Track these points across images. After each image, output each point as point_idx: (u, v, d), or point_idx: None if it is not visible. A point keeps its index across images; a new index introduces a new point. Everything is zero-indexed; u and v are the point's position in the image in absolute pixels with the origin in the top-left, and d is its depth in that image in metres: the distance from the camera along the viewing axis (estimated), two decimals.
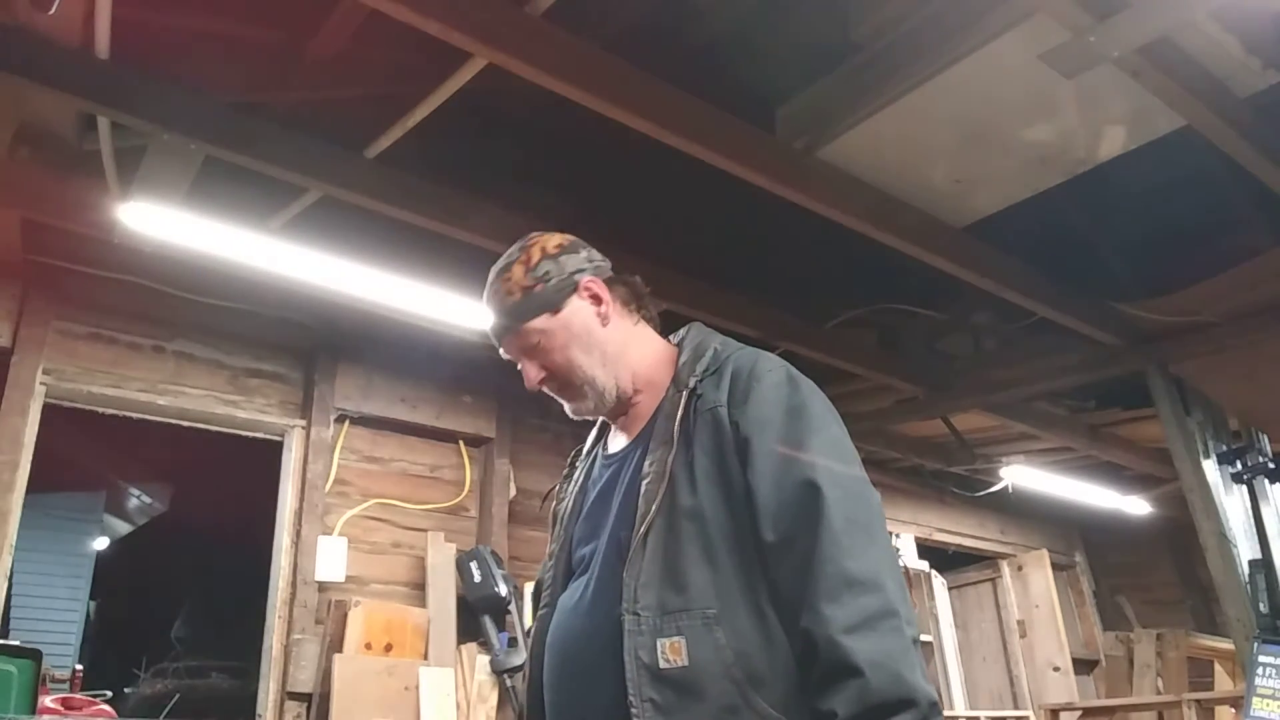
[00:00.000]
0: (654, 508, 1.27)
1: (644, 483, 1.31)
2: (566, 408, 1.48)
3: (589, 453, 1.58)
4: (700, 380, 1.35)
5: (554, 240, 1.50)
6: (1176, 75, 2.33)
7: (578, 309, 1.43)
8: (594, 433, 1.59)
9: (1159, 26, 2.13)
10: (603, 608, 1.31)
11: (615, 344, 1.44)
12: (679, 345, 1.46)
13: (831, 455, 1.25)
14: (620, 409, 1.46)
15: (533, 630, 1.49)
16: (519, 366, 1.48)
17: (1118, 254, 3.72)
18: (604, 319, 1.44)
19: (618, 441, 1.49)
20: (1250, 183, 2.84)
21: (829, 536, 1.17)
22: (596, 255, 1.51)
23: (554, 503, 1.62)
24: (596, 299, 1.45)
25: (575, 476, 1.58)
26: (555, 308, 1.43)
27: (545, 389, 1.47)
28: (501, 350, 1.50)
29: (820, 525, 1.18)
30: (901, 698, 1.09)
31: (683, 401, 1.34)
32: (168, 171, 2.66)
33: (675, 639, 1.21)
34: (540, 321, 1.42)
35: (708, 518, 1.26)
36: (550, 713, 1.37)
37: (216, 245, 2.95)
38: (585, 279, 1.45)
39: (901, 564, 5.79)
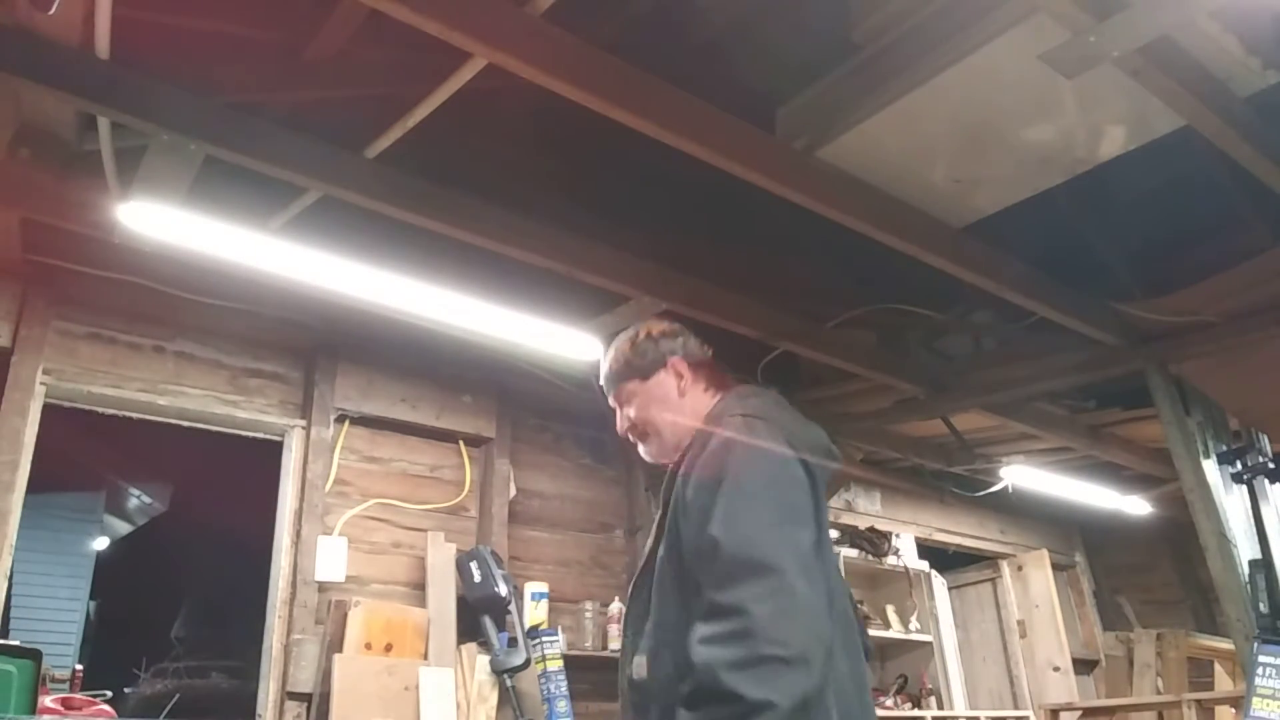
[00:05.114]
0: (644, 556, 1.74)
1: (650, 537, 1.75)
2: (641, 449, 1.92)
3: None
4: (684, 451, 1.75)
5: (660, 327, 1.97)
6: (1176, 75, 2.33)
7: (663, 380, 1.88)
8: None
9: (1159, 26, 2.13)
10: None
11: (686, 412, 1.85)
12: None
13: (739, 510, 1.52)
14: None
15: None
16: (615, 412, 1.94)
17: (1118, 254, 3.71)
18: (681, 391, 1.87)
19: None
20: (1250, 183, 2.84)
21: (715, 576, 1.47)
22: (693, 343, 1.95)
23: None
24: (679, 375, 1.88)
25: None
26: (646, 376, 1.89)
27: (630, 435, 1.92)
28: (608, 400, 1.96)
29: (713, 566, 1.48)
30: (712, 691, 1.38)
31: (669, 472, 1.76)
32: (168, 171, 2.66)
33: (641, 657, 1.62)
34: (633, 384, 1.90)
35: (668, 564, 1.64)
36: None
37: (216, 245, 2.95)
38: (674, 360, 1.90)
39: (902, 565, 5.80)
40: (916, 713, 5.44)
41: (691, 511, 1.59)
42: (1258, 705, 3.23)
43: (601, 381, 1.97)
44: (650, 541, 1.73)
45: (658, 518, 1.73)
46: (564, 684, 3.85)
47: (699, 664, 1.41)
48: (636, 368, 1.90)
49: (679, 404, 1.86)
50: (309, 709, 3.46)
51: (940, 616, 5.84)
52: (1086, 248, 3.68)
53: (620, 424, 1.93)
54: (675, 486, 1.69)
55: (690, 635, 1.46)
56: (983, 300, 3.81)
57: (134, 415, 3.57)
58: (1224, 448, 3.81)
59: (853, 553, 5.55)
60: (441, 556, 3.94)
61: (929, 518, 6.33)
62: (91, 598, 8.21)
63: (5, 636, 4.24)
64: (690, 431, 1.80)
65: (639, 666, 1.61)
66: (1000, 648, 6.30)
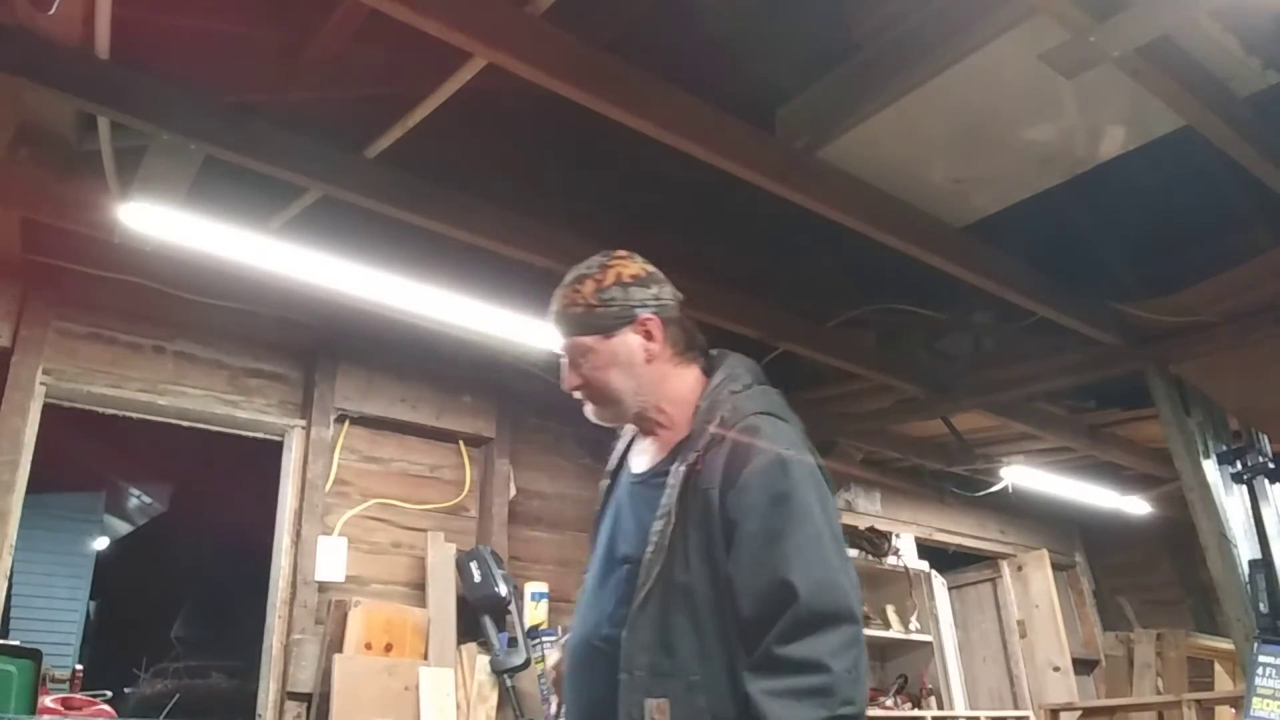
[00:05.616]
0: (652, 578, 1.42)
1: (647, 550, 1.44)
2: (587, 410, 1.63)
3: (619, 460, 1.73)
4: (700, 453, 1.46)
5: (632, 269, 1.61)
6: (1176, 75, 2.33)
7: (628, 339, 1.57)
8: (621, 444, 1.74)
9: (1159, 26, 2.13)
10: (590, 624, 1.53)
11: (652, 379, 1.57)
12: (704, 389, 1.57)
13: (809, 550, 1.36)
14: (644, 429, 1.63)
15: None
16: (561, 362, 1.62)
17: (1118, 254, 3.71)
18: (649, 355, 1.57)
19: (640, 461, 1.64)
20: (1250, 183, 2.84)
21: (787, 624, 1.31)
22: (667, 293, 1.62)
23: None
24: (649, 335, 1.57)
25: (607, 486, 1.73)
26: (609, 332, 1.56)
27: (577, 394, 1.61)
28: (554, 348, 1.65)
29: (787, 614, 1.32)
30: None
31: (682, 477, 1.46)
32: (168, 171, 2.66)
33: (661, 700, 1.36)
34: (591, 340, 1.57)
35: (697, 592, 1.40)
36: (565, 706, 1.60)
37: (216, 245, 2.95)
38: (645, 315, 1.57)
39: (902, 565, 5.80)
40: (916, 713, 5.44)
41: (742, 539, 1.39)
42: (1258, 705, 3.24)
43: (552, 325, 1.64)
44: (654, 556, 1.43)
45: (663, 529, 1.44)
46: None
47: None
48: (598, 320, 1.56)
49: (644, 372, 1.56)
50: (309, 709, 3.46)
51: (940, 616, 5.84)
52: (1087, 247, 3.68)
53: (568, 381, 1.61)
54: (702, 499, 1.44)
55: (743, 681, 1.32)
56: (983, 300, 3.81)
57: (134, 415, 3.57)
58: (1224, 448, 3.81)
59: (853, 553, 5.54)
60: (441, 556, 3.94)
61: (929, 518, 6.33)
62: (91, 598, 8.21)
63: (5, 636, 4.24)
64: (660, 412, 1.58)
65: (655, 711, 1.36)
66: (1000, 648, 6.29)
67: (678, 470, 1.47)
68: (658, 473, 1.54)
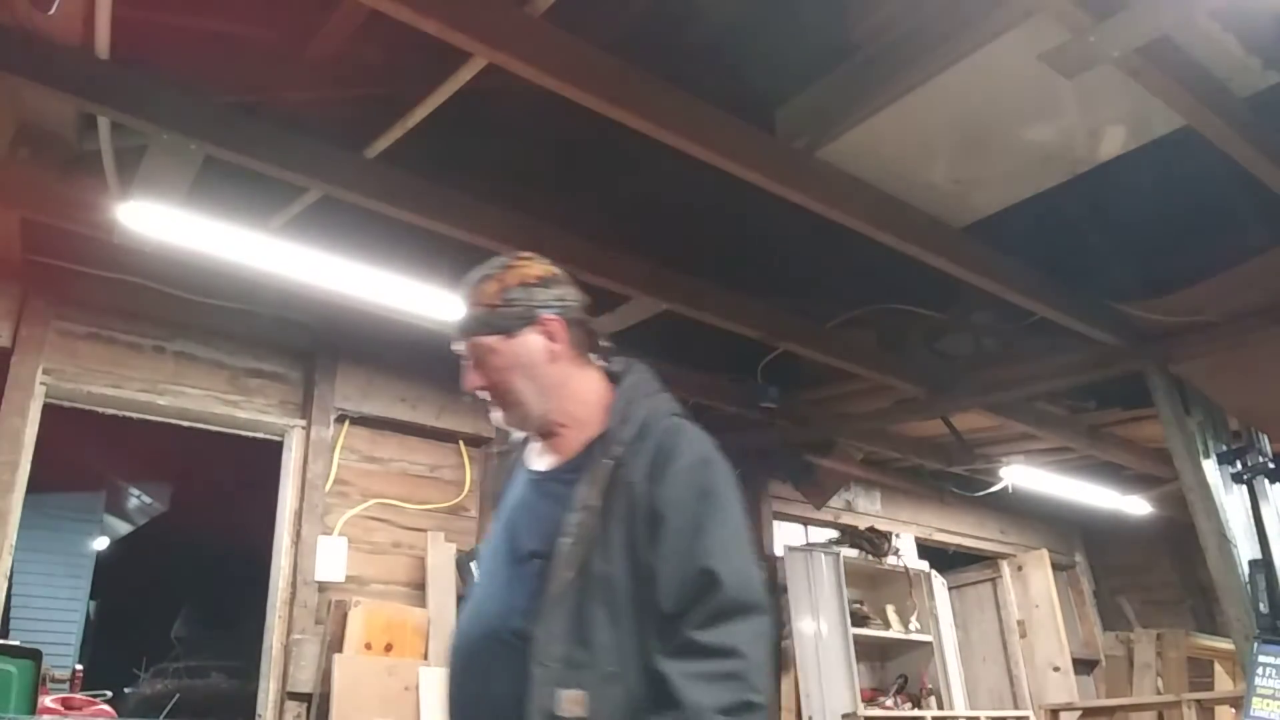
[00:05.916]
0: (571, 569, 1.42)
1: (564, 541, 1.43)
2: (492, 414, 1.61)
3: (515, 460, 1.73)
4: (626, 448, 1.48)
5: (536, 270, 1.60)
6: (1176, 75, 2.33)
7: (530, 340, 1.56)
8: (519, 450, 1.73)
9: (1159, 26, 2.13)
10: (493, 619, 1.49)
11: (554, 381, 1.57)
12: (616, 390, 1.58)
13: (730, 543, 1.42)
14: (545, 433, 1.60)
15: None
16: (463, 364, 1.60)
17: (1118, 254, 3.71)
18: (552, 356, 1.56)
19: (541, 461, 1.62)
20: (1250, 183, 2.84)
21: (705, 612, 1.36)
22: (571, 295, 1.61)
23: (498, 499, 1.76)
24: (550, 336, 1.56)
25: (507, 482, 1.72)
26: (510, 333, 1.55)
27: (481, 395, 1.59)
28: (453, 346, 1.60)
29: (705, 604, 1.36)
30: None
31: (607, 472, 1.46)
32: (168, 171, 2.66)
33: (576, 691, 1.35)
34: (492, 340, 1.56)
35: (616, 585, 1.41)
36: (451, 704, 1.54)
37: (216, 245, 2.96)
38: (547, 315, 1.56)
39: (902, 565, 5.80)
40: (916, 713, 5.43)
41: (668, 531, 1.41)
42: (1258, 705, 3.24)
43: (454, 325, 1.61)
44: (573, 548, 1.42)
45: (582, 520, 1.44)
46: None
47: (688, 704, 1.30)
48: (500, 320, 1.55)
49: (546, 373, 1.55)
50: (309, 709, 3.46)
51: (940, 616, 5.83)
52: (1087, 248, 3.68)
53: (469, 381, 1.58)
54: (626, 493, 1.45)
55: (658, 667, 1.34)
56: (983, 300, 3.81)
57: (134, 415, 3.57)
58: (1224, 448, 3.82)
59: (853, 553, 5.54)
60: (441, 556, 3.94)
61: (929, 518, 6.33)
62: (91, 598, 8.21)
63: (5, 636, 4.24)
64: (564, 414, 1.57)
65: (569, 703, 1.35)
66: (1000, 648, 6.30)
67: (604, 464, 1.47)
68: (567, 469, 1.54)
